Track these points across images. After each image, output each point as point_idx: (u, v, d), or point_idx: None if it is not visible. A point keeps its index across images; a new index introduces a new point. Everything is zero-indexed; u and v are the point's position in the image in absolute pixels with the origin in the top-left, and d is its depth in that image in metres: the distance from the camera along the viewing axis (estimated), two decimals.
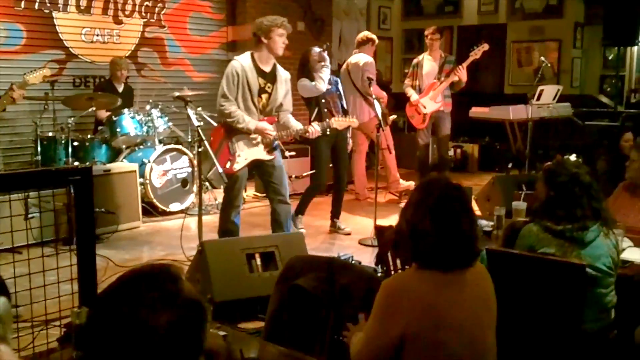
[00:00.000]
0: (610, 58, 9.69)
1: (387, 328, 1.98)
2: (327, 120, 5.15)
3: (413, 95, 7.21)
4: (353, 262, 4.10)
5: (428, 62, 7.23)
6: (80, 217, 2.76)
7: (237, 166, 4.62)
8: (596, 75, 9.99)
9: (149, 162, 6.19)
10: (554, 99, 8.01)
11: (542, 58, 8.31)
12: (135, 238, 5.66)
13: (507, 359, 2.17)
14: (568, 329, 2.50)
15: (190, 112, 4.55)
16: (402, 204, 2.28)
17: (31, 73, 5.12)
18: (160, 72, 7.97)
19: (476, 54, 7.00)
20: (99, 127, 6.35)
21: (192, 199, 6.54)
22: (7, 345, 1.47)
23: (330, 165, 5.88)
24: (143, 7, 7.73)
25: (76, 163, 5.69)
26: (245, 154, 4.64)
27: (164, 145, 6.49)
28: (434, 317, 1.93)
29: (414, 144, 7.59)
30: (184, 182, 6.55)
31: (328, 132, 5.16)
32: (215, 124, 6.35)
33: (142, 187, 6.10)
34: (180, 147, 6.61)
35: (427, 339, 1.93)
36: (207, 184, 6.43)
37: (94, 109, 5.97)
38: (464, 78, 7.00)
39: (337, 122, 5.11)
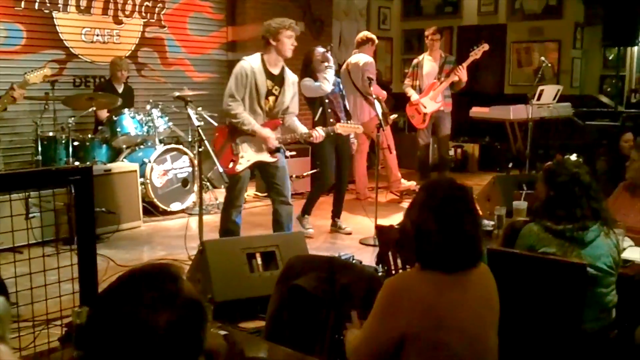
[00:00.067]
0: (610, 58, 9.68)
1: (387, 327, 1.98)
2: (331, 120, 5.16)
3: (413, 95, 7.21)
4: (354, 261, 4.10)
5: (428, 62, 7.24)
6: (80, 216, 2.76)
7: (239, 167, 4.62)
8: (596, 75, 9.99)
9: (149, 161, 6.20)
10: (554, 99, 8.01)
11: (543, 58, 8.30)
12: (135, 238, 5.66)
13: (507, 359, 2.17)
14: (568, 328, 2.50)
15: (191, 112, 4.54)
16: (403, 204, 2.30)
17: (32, 72, 5.13)
18: (161, 72, 7.97)
19: (476, 54, 7.01)
20: (99, 127, 6.35)
21: (192, 198, 6.54)
22: (6, 345, 1.47)
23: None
24: (143, 7, 7.73)
25: (76, 163, 5.69)
26: (249, 156, 4.64)
27: (165, 145, 6.49)
28: (434, 318, 1.93)
29: (415, 143, 7.60)
30: (185, 181, 6.55)
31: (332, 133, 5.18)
32: (215, 124, 6.38)
33: (143, 186, 6.10)
34: (180, 147, 6.61)
35: (427, 340, 1.93)
36: (207, 183, 6.45)
37: (94, 108, 5.98)
38: (464, 78, 7.00)
39: (342, 127, 5.14)
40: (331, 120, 5.49)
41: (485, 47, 6.98)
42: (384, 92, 7.27)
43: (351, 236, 5.73)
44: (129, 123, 6.25)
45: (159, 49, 7.96)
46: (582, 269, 2.47)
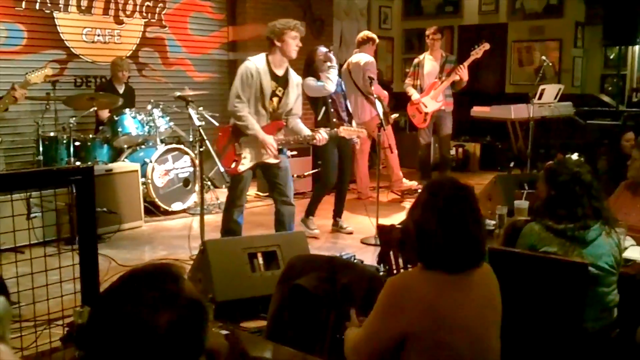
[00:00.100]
0: (611, 57, 9.68)
1: (388, 325, 1.98)
2: (334, 120, 5.15)
3: (414, 95, 7.21)
4: (355, 261, 4.10)
5: (429, 62, 7.24)
6: (82, 216, 2.76)
7: (242, 167, 4.62)
8: (597, 74, 9.98)
9: (150, 161, 6.20)
10: (555, 98, 8.00)
11: (544, 57, 8.30)
12: (137, 238, 5.66)
13: (509, 358, 2.17)
14: (570, 328, 2.50)
15: (192, 111, 4.54)
16: (405, 203, 2.30)
17: (33, 72, 5.13)
18: (161, 72, 7.97)
19: (477, 53, 7.01)
20: (101, 127, 6.36)
21: (194, 198, 6.54)
22: (6, 345, 1.47)
23: None
24: (144, 7, 7.73)
25: (78, 163, 5.70)
26: (252, 156, 4.64)
27: (166, 145, 6.49)
28: (436, 318, 1.93)
29: (416, 143, 7.59)
30: (186, 181, 6.55)
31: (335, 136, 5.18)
32: (216, 124, 6.38)
33: (144, 186, 6.10)
34: (181, 146, 6.61)
35: (429, 339, 1.93)
36: (209, 183, 6.46)
37: (95, 109, 5.98)
38: (465, 77, 7.00)
39: (346, 130, 5.14)
40: (334, 120, 5.49)
41: (486, 46, 6.98)
42: (386, 93, 7.27)
43: (352, 236, 5.73)
44: (130, 123, 6.25)
45: (159, 48, 7.96)
46: (584, 268, 2.47)
